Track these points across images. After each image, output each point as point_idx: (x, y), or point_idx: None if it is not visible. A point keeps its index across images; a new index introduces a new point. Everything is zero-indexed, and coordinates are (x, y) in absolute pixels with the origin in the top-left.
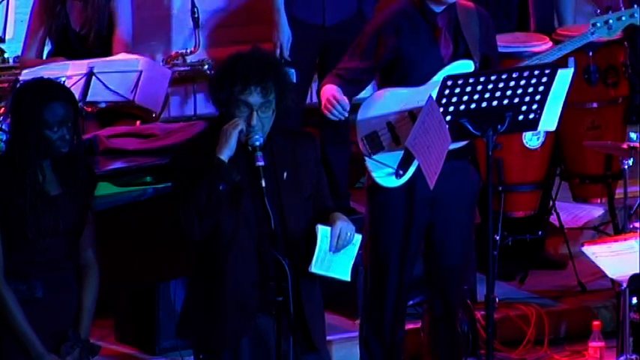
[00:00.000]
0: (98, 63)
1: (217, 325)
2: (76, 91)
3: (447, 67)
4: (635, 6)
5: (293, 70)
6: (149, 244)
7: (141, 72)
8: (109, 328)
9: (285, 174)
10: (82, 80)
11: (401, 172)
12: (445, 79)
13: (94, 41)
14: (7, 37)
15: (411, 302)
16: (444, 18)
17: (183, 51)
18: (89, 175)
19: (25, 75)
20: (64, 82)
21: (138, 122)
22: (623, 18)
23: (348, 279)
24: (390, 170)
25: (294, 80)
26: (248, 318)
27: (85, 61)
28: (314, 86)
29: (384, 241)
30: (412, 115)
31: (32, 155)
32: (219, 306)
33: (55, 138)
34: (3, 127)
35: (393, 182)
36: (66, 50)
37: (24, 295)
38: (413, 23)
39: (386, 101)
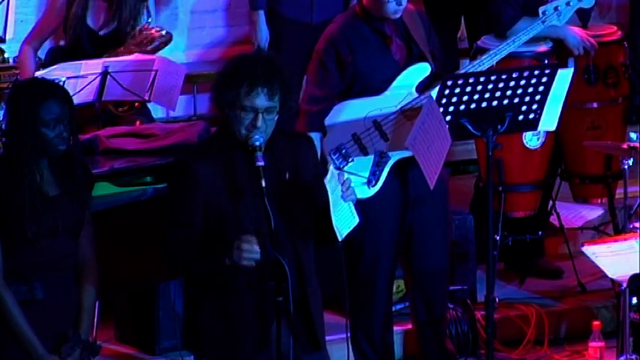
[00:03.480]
0: (113, 62)
1: (238, 336)
2: (91, 91)
3: (405, 72)
4: None
5: None
6: (149, 244)
7: (156, 71)
8: (109, 328)
9: (287, 175)
10: (97, 80)
11: (373, 180)
12: (445, 80)
13: (122, 43)
14: (7, 37)
15: (408, 303)
16: (391, 25)
17: (144, 24)
18: (86, 174)
19: (39, 76)
20: (78, 81)
21: (138, 122)
22: (571, 3)
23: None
24: (362, 180)
25: None
26: (268, 326)
27: (100, 61)
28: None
29: (370, 250)
30: (376, 123)
31: (29, 154)
32: (238, 316)
33: (52, 136)
34: (3, 127)
35: (365, 192)
36: (76, 49)
37: (25, 296)
38: (361, 35)
39: (348, 112)
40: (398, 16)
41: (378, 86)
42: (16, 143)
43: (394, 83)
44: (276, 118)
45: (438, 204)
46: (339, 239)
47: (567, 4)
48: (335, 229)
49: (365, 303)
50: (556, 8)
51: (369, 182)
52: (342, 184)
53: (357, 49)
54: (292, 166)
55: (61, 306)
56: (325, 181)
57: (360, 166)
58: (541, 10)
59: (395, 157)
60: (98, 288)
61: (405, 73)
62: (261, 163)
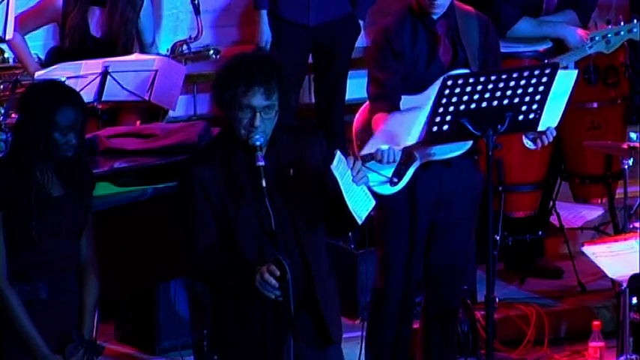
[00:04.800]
0: (113, 62)
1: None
2: (91, 91)
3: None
4: (635, 21)
5: None
6: (149, 244)
7: (156, 71)
8: (109, 328)
9: (291, 171)
10: (97, 80)
11: (395, 179)
12: (445, 79)
13: (121, 51)
14: (7, 37)
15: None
16: (443, 25)
17: (187, 38)
18: (89, 176)
19: (39, 76)
20: (78, 81)
21: (138, 122)
22: (622, 33)
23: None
24: (383, 179)
25: None
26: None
27: (100, 61)
28: (307, 86)
29: (390, 243)
30: None
31: (40, 156)
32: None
33: (62, 142)
34: (3, 127)
35: (388, 190)
36: (79, 53)
37: (28, 296)
38: (413, 31)
39: None
40: (435, 10)
41: (419, 84)
42: (27, 144)
43: (434, 84)
44: (275, 117)
45: (467, 205)
46: (359, 223)
47: (616, 34)
48: (353, 213)
49: (382, 295)
50: (605, 37)
51: (392, 181)
52: (351, 169)
53: (407, 44)
54: (297, 161)
55: (63, 306)
56: (332, 167)
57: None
58: (590, 35)
59: (422, 159)
60: (99, 288)
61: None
62: (261, 163)
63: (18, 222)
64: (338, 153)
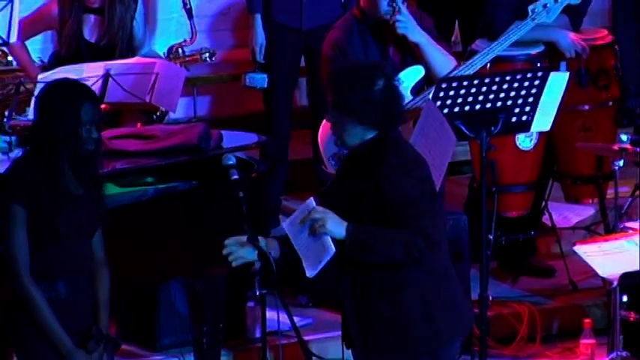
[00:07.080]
0: (115, 65)
1: None
2: None
3: (399, 75)
4: None
5: (265, 75)
6: (150, 244)
7: (157, 74)
8: (110, 325)
9: (353, 186)
10: (99, 82)
11: None
12: (439, 82)
13: (119, 57)
14: (10, 40)
15: None
16: (388, 27)
17: (181, 41)
18: (99, 175)
19: (42, 79)
20: None
21: (139, 124)
22: (559, 0)
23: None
24: None
25: (265, 85)
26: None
27: (102, 64)
28: (303, 89)
29: None
30: None
31: (66, 152)
32: None
33: (85, 136)
34: (7, 128)
35: None
36: (75, 58)
37: (49, 295)
38: (362, 38)
39: None
40: (389, 17)
41: None
42: (57, 143)
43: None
44: (337, 125)
45: None
46: (309, 276)
47: (555, 1)
48: (304, 265)
49: None
50: (545, 6)
51: None
52: (312, 217)
53: (359, 51)
54: (369, 181)
55: (79, 304)
56: (283, 224)
57: None
58: (530, 8)
59: None
60: (111, 285)
61: (399, 75)
62: (235, 177)
63: (43, 220)
64: (309, 200)
